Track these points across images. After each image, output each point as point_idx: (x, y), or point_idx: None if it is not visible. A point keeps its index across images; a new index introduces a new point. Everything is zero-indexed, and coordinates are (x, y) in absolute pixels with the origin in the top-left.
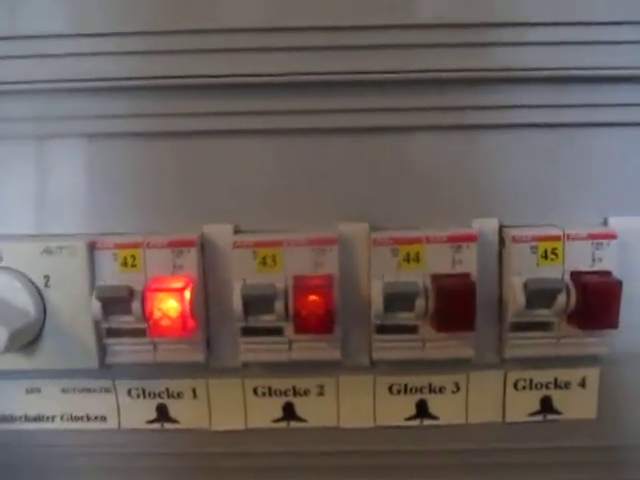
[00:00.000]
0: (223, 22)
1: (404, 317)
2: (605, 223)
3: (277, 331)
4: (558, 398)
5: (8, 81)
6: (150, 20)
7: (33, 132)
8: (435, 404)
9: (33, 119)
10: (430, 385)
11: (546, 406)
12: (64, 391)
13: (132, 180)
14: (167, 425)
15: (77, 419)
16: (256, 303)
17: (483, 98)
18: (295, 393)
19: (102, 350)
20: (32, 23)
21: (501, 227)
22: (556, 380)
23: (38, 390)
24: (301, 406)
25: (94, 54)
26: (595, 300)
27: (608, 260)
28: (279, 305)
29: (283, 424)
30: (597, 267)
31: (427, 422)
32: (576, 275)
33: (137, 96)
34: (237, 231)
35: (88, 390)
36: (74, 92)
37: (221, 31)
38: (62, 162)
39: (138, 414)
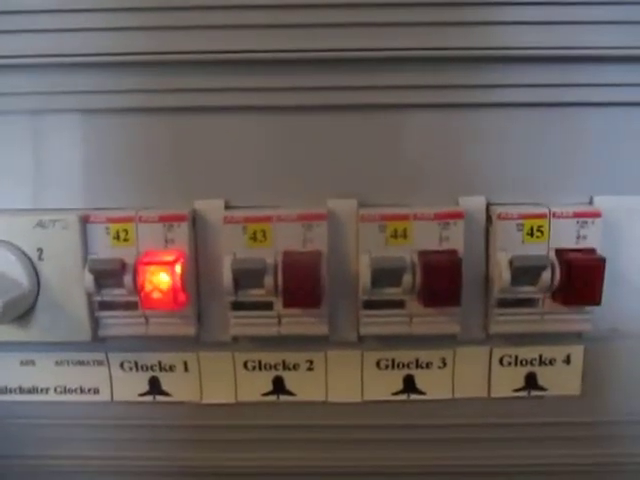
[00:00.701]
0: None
1: (391, 292)
2: (591, 202)
3: (267, 305)
4: (543, 374)
5: (2, 55)
6: None
7: (27, 107)
8: (422, 379)
9: (27, 94)
10: (417, 360)
11: (531, 382)
12: (58, 363)
13: (125, 155)
14: (159, 398)
15: (70, 391)
16: (246, 277)
17: (471, 77)
18: (285, 367)
19: (95, 323)
20: None
21: (488, 205)
22: (541, 356)
23: (32, 362)
24: (290, 380)
25: (88, 29)
26: (579, 277)
27: (592, 238)
28: (269, 280)
29: (273, 398)
30: (581, 245)
31: (414, 397)
32: (561, 252)
33: (130, 72)
34: (228, 206)
35: (81, 363)
36: (67, 67)
37: (216, 8)
38: (55, 137)
39: (130, 387)
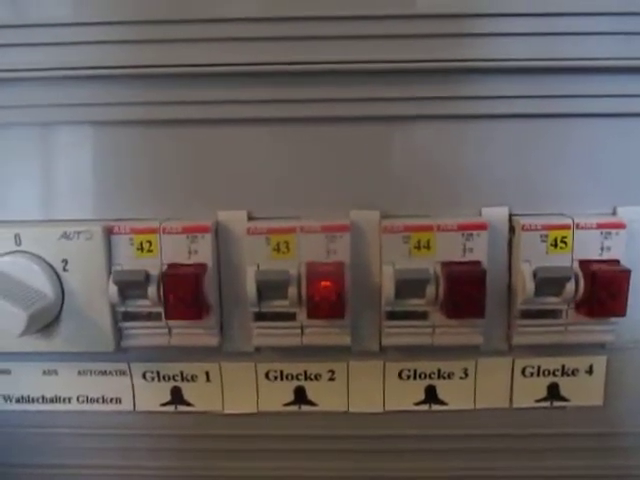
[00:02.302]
0: (234, 11)
1: (414, 303)
2: (614, 212)
3: (290, 316)
4: (565, 385)
5: (13, 69)
6: (160, 9)
7: (48, 119)
8: (444, 390)
9: (48, 106)
10: (439, 371)
11: (553, 393)
12: (80, 373)
13: (147, 168)
14: (181, 407)
15: (93, 401)
16: (269, 288)
17: (494, 88)
18: (306, 377)
19: (118, 333)
20: (37, 12)
21: (511, 216)
22: (563, 367)
23: (55, 372)
24: (312, 390)
25: (101, 42)
26: (603, 288)
27: (616, 249)
28: (292, 291)
29: (294, 408)
30: (605, 256)
31: (435, 407)
32: (585, 263)
33: (150, 84)
34: (251, 218)
35: (104, 372)
36: (86, 80)
37: (233, 20)
38: (79, 149)
39: (153, 396)
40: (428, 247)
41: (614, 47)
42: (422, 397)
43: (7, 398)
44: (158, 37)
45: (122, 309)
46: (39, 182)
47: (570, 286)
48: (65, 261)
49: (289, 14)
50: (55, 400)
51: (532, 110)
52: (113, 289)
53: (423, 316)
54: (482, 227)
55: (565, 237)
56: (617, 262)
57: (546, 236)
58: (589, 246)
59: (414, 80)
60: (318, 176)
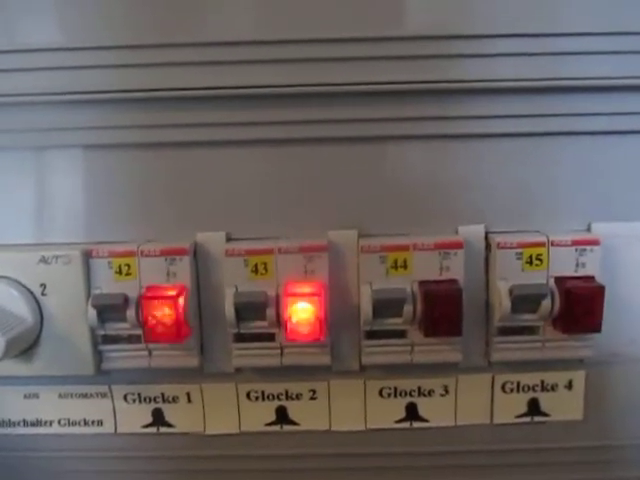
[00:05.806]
0: (220, 35)
1: (393, 322)
2: (588, 229)
3: (269, 337)
4: (545, 400)
5: (6, 94)
6: (149, 33)
7: (29, 143)
8: (424, 407)
9: (28, 130)
10: (419, 388)
11: (533, 408)
12: (61, 396)
13: (127, 190)
14: (162, 429)
15: (74, 424)
16: (248, 310)
17: (469, 108)
18: (287, 397)
19: (98, 356)
20: (29, 38)
21: (487, 234)
22: (543, 382)
23: (36, 396)
24: (293, 410)
25: (90, 67)
26: (579, 305)
27: (591, 265)
28: (270, 312)
29: (276, 427)
30: (581, 272)
31: (417, 424)
32: (560, 280)
33: (131, 108)
34: (229, 239)
35: (85, 395)
36: (69, 104)
37: (217, 44)
38: (58, 172)
39: (134, 418)
40: (405, 267)
41: (581, 67)
42: (403, 414)
43: None
44: (137, 62)
45: (102, 332)
46: (18, 205)
47: (546, 303)
48: (44, 285)
49: (275, 37)
50: (36, 423)
51: (507, 130)
52: (92, 313)
53: (402, 335)
54: (458, 245)
55: (540, 254)
56: (592, 278)
57: (521, 254)
58: (564, 263)
59: (392, 101)
60: (297, 196)
